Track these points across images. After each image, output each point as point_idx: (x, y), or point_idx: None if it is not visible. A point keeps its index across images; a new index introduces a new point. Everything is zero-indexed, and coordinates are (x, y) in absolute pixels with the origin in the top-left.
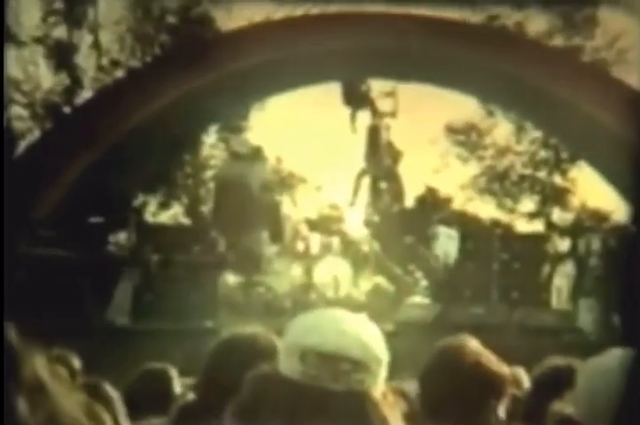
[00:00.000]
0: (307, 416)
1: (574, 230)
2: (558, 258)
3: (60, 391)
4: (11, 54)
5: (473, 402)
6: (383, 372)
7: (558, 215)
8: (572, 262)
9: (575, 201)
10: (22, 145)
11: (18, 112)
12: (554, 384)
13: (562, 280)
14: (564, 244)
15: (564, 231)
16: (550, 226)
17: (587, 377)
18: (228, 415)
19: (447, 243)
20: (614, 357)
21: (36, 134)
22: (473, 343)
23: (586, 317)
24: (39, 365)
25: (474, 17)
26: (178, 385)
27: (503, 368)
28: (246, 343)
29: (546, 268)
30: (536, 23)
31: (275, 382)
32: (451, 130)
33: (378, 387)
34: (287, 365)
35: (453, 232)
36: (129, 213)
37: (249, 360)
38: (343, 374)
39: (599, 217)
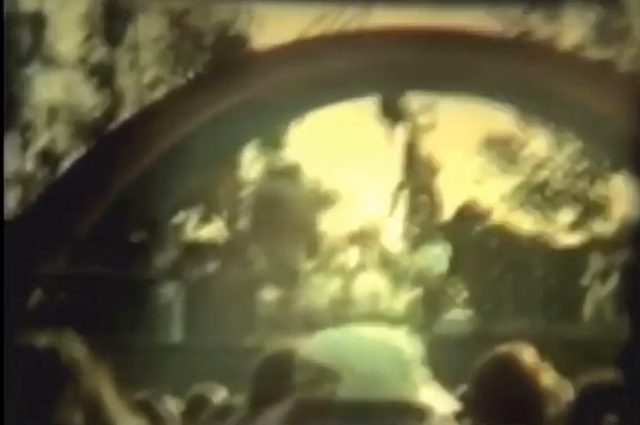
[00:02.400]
0: None
1: (616, 242)
2: (601, 271)
3: (119, 410)
4: (52, 75)
5: (524, 409)
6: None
7: (599, 226)
8: (614, 275)
9: (617, 212)
10: (65, 165)
11: (60, 133)
12: (600, 397)
13: (605, 293)
14: (606, 257)
15: (606, 243)
16: (592, 238)
17: None
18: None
19: (436, 256)
20: None
21: (78, 154)
22: (530, 352)
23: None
24: (101, 382)
25: (508, 31)
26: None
27: (554, 380)
28: (288, 359)
29: (587, 281)
30: (570, 36)
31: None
32: (490, 142)
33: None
34: None
35: (448, 246)
36: (170, 231)
37: (292, 376)
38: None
39: None
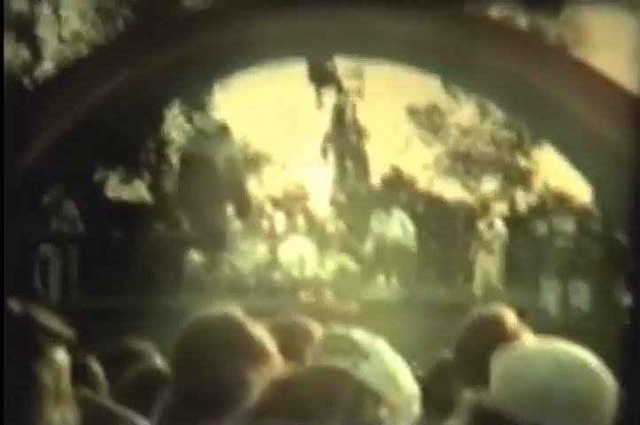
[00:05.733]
0: None
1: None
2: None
3: None
4: None
5: None
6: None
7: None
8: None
9: (538, 183)
10: None
11: None
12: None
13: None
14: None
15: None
16: (513, 207)
17: (505, 364)
18: None
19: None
20: (537, 345)
21: None
22: (509, 313)
23: (548, 297)
24: None
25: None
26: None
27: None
28: (217, 325)
29: (508, 249)
30: (499, 5)
31: None
32: (415, 110)
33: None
34: None
35: (405, 217)
36: (90, 189)
37: (222, 342)
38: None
39: (562, 199)
